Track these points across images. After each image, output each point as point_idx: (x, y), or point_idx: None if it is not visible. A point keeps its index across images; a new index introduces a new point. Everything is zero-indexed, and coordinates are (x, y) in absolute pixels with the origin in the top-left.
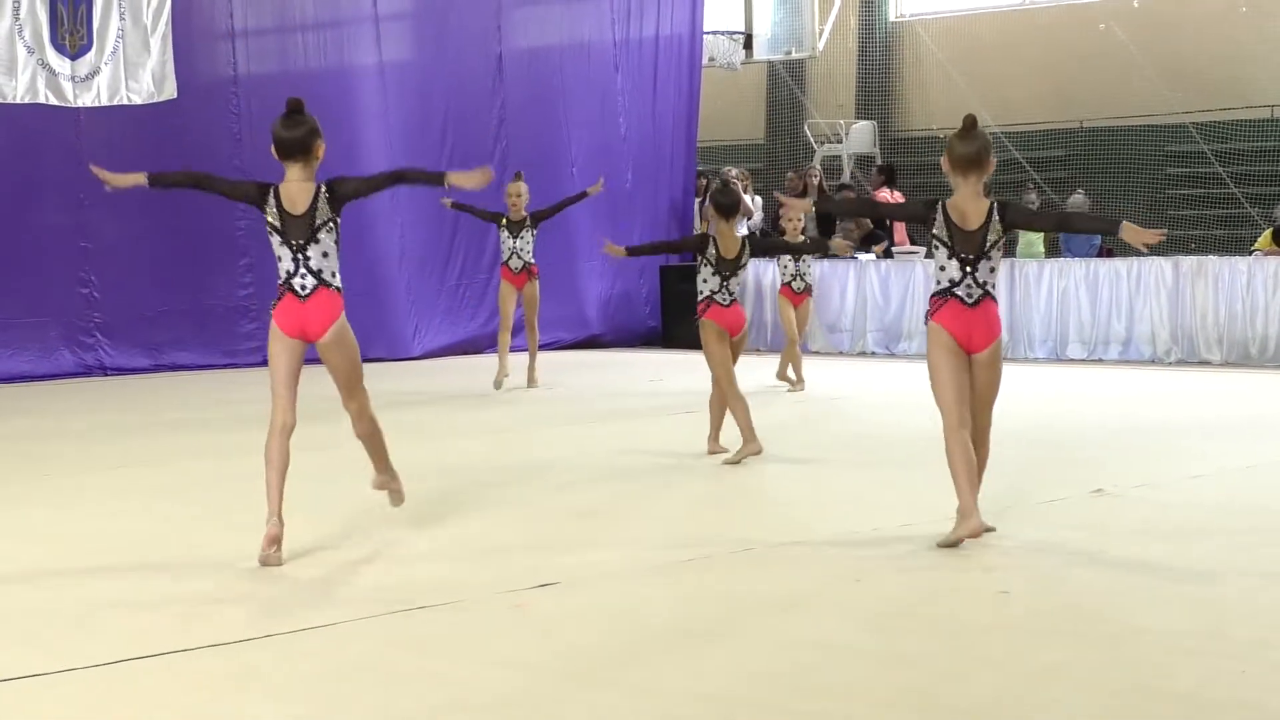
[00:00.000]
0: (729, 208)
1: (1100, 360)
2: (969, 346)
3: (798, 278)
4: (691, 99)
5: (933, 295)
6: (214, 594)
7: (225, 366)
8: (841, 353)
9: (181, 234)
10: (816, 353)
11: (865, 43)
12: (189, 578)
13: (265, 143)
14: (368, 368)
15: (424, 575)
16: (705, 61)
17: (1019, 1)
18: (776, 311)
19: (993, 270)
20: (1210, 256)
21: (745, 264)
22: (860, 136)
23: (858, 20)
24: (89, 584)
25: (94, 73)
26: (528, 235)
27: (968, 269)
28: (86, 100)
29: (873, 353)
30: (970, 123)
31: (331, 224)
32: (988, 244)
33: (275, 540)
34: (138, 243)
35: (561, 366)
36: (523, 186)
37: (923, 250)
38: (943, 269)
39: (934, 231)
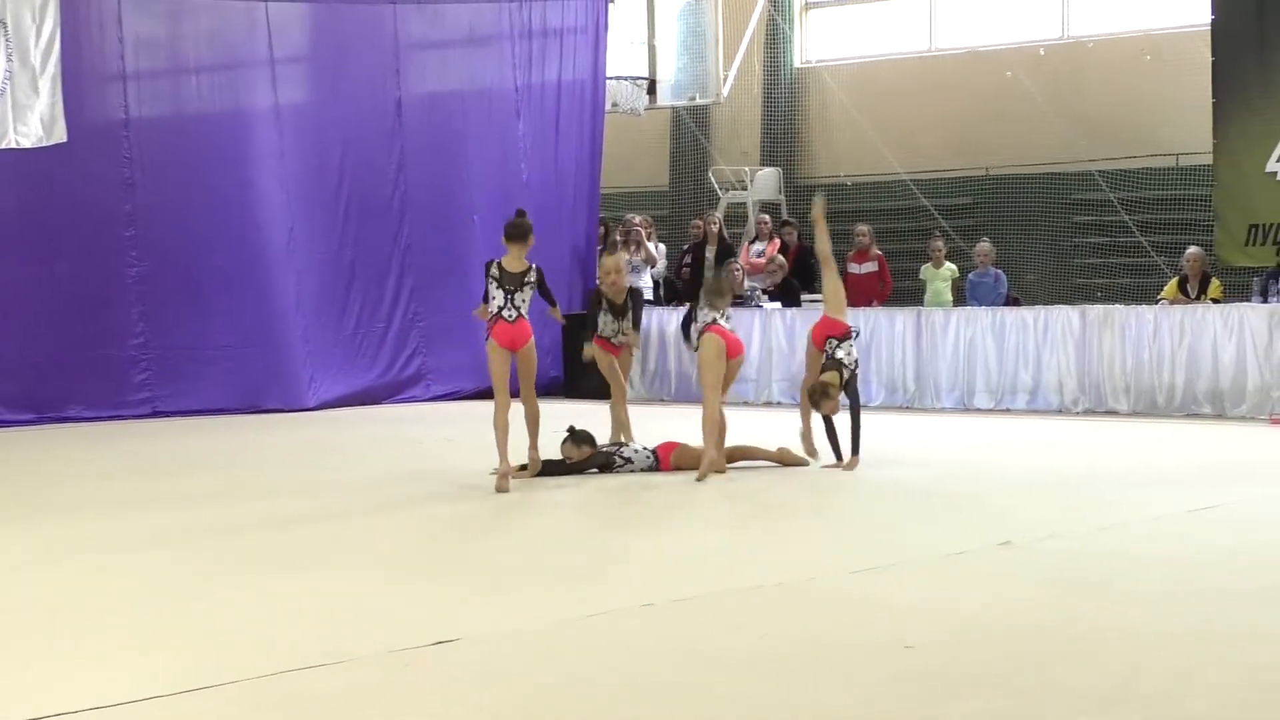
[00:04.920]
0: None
1: (1008, 410)
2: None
3: (618, 334)
4: (594, 145)
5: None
6: (97, 655)
7: (113, 418)
8: (747, 402)
9: (70, 280)
10: (723, 403)
11: (770, 89)
12: (72, 638)
13: (157, 187)
14: (261, 419)
15: (310, 633)
16: (608, 107)
17: (925, 48)
18: (679, 361)
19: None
20: (1117, 305)
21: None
22: (765, 183)
23: (763, 66)
24: None
25: None
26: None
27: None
28: None
29: (779, 402)
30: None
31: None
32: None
33: (506, 475)
34: (23, 290)
35: (461, 417)
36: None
37: None
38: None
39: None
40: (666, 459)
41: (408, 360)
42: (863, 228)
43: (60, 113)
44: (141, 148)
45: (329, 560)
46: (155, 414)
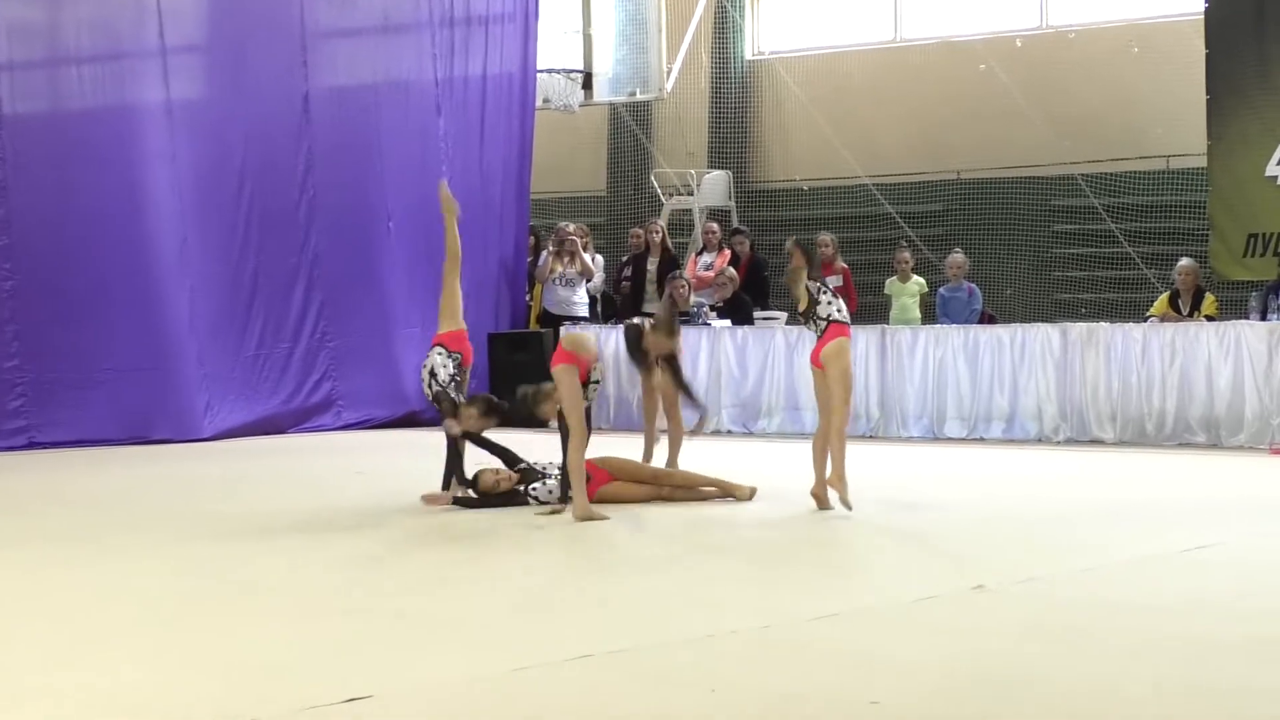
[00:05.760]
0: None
1: (981, 439)
2: None
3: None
4: (524, 145)
5: None
6: None
7: None
8: (691, 431)
9: None
10: (662, 430)
11: (719, 84)
12: None
13: (33, 190)
14: (151, 450)
15: (211, 690)
16: (539, 103)
17: (891, 39)
18: (617, 386)
19: None
20: (1102, 323)
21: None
22: (713, 188)
23: (711, 58)
24: None
25: None
26: None
27: None
28: None
29: (729, 431)
30: None
31: None
32: None
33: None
34: None
35: (374, 447)
36: None
37: (784, 316)
38: None
39: None
40: (594, 468)
41: (316, 385)
42: (826, 237)
43: None
44: (15, 147)
45: (230, 608)
46: (31, 445)
